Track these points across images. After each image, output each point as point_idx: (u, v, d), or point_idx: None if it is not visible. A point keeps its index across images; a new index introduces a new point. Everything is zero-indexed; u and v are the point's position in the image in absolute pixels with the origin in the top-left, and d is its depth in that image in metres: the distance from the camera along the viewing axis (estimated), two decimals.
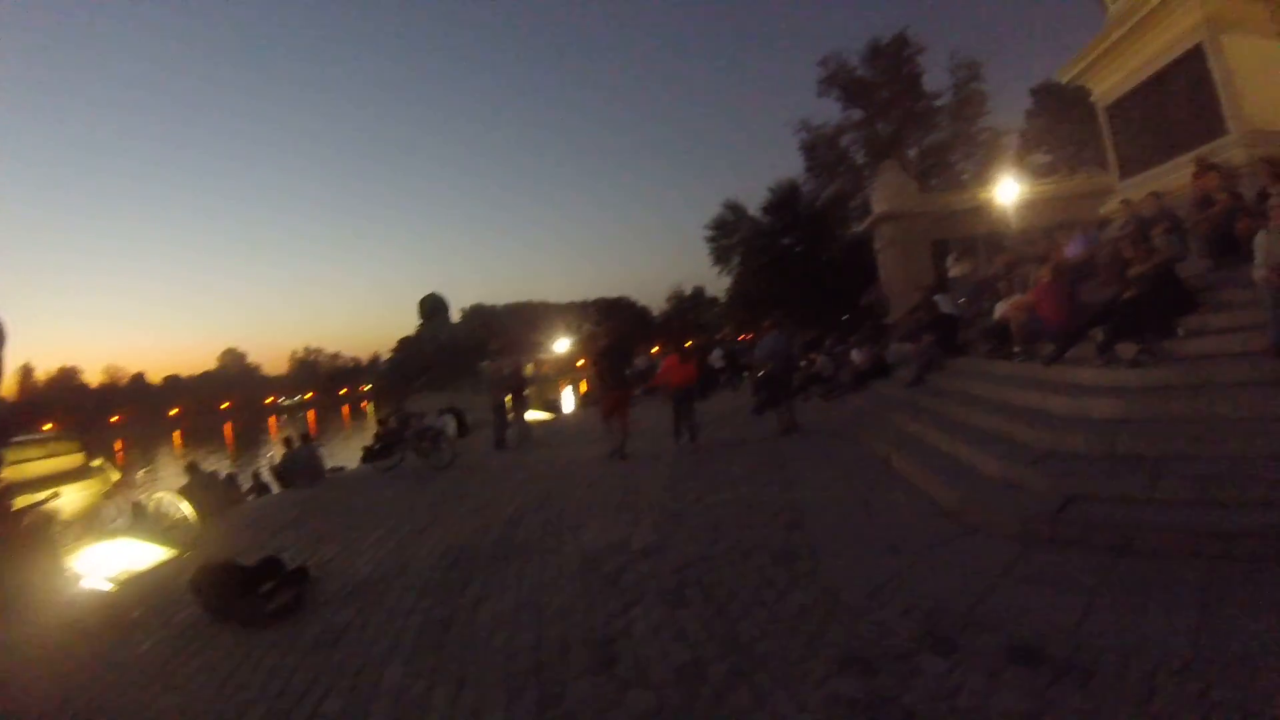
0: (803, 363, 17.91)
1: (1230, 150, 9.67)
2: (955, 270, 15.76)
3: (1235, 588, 3.73)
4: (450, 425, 15.63)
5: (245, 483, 17.63)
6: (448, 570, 6.13)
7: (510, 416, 14.59)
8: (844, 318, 29.95)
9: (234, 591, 5.76)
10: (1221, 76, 9.97)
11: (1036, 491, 5.52)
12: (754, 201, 44.76)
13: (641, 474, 9.27)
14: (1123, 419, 6.15)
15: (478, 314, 79.26)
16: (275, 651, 4.92)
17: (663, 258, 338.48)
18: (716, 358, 23.82)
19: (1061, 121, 32.65)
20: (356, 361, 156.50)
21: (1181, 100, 10.79)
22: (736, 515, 6.57)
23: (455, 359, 32.16)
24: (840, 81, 38.97)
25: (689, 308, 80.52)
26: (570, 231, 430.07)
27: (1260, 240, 6.32)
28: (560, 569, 5.73)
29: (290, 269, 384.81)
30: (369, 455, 14.17)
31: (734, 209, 45.02)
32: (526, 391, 16.54)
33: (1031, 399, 7.49)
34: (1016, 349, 9.13)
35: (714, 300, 70.95)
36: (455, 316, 44.14)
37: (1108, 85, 12.64)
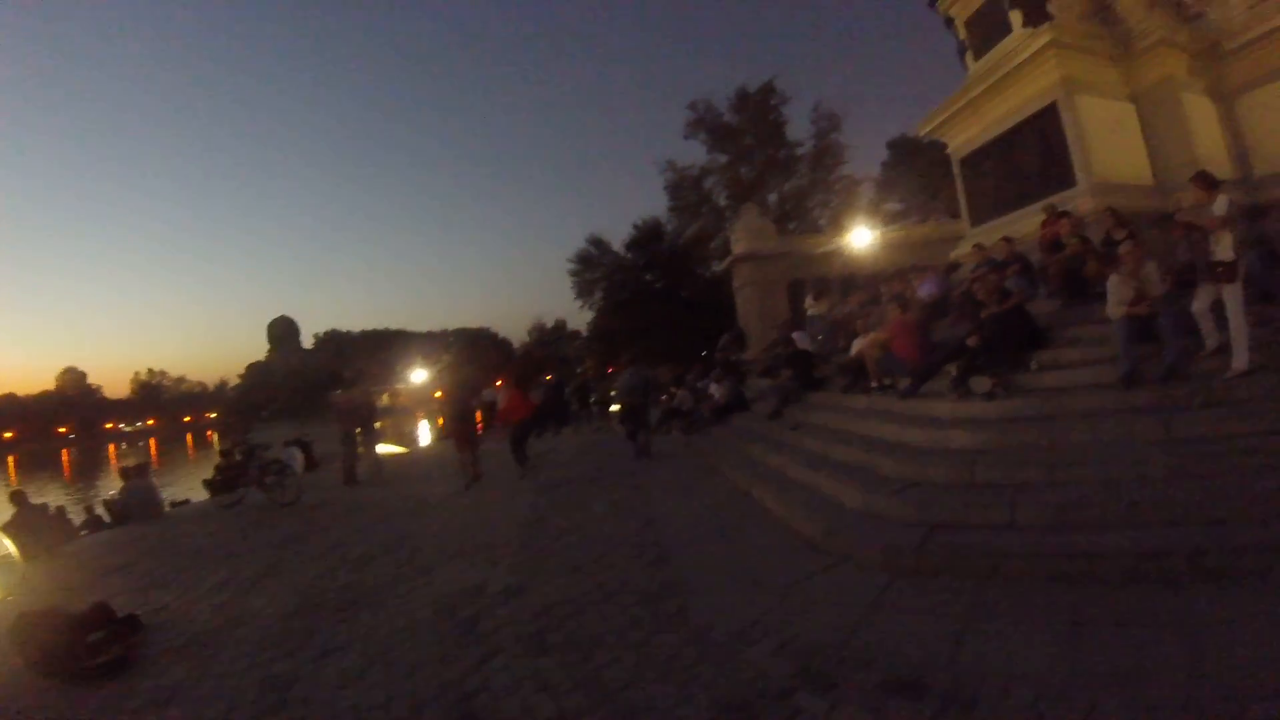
0: (663, 397, 18.49)
1: (1079, 199, 10.80)
2: (814, 309, 16.50)
3: (1102, 607, 3.89)
4: (297, 458, 14.79)
5: (78, 516, 16.07)
6: (291, 619, 5.79)
7: (361, 450, 14.21)
8: (703, 354, 30.86)
9: (58, 643, 5.26)
10: (1073, 132, 11.21)
11: (900, 521, 5.65)
12: (618, 237, 46.40)
13: (499, 512, 9.22)
14: (981, 449, 6.48)
15: (332, 340, 76.28)
16: (104, 713, 4.48)
17: (526, 289, 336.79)
18: (568, 392, 23.92)
19: (914, 172, 35.79)
20: (203, 387, 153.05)
21: (1034, 153, 12.02)
22: (598, 554, 6.56)
23: (306, 387, 30.38)
24: (708, 125, 41.58)
25: (550, 340, 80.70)
26: (433, 259, 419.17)
27: (1112, 282, 7.01)
28: (413, 617, 5.48)
29: (135, 287, 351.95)
30: (212, 489, 13.01)
31: (597, 244, 46.22)
32: (379, 423, 15.90)
33: (890, 432, 7.80)
34: (875, 384, 9.50)
35: (576, 334, 71.45)
36: (309, 342, 41.57)
37: (964, 139, 13.84)
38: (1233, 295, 6.15)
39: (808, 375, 12.21)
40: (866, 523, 5.87)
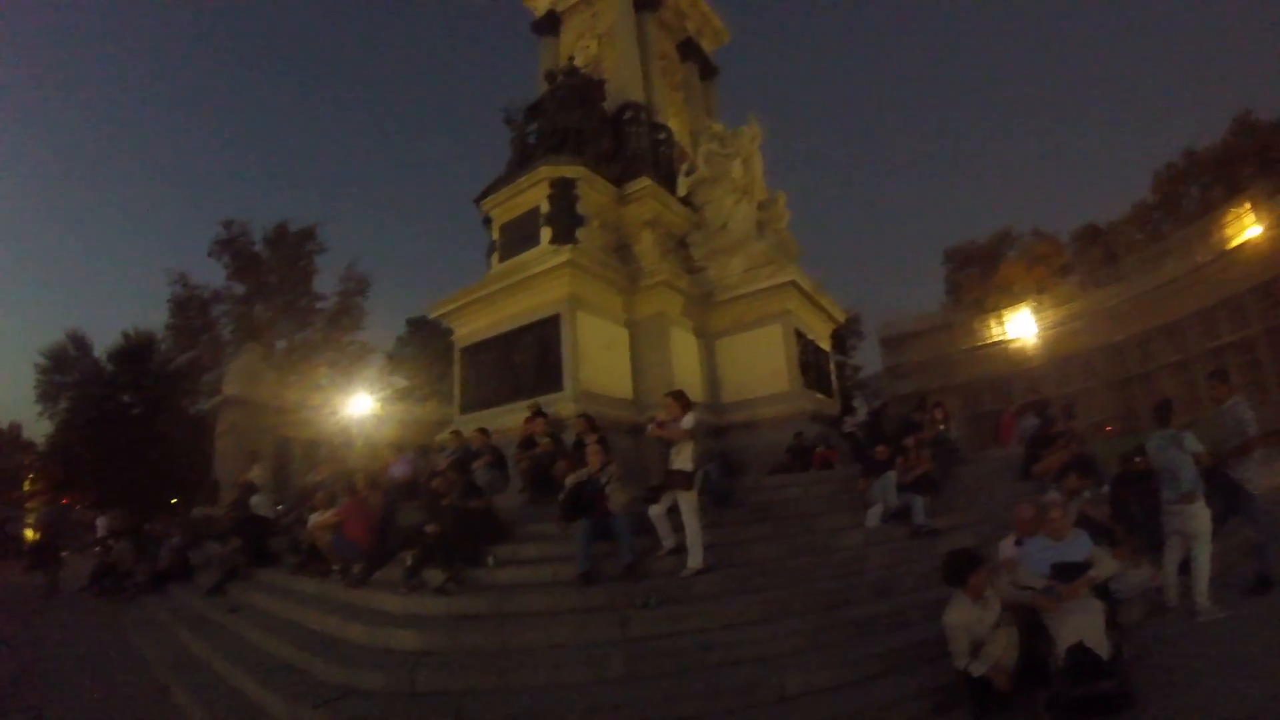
0: (96, 548, 16.77)
1: (562, 403, 12.00)
2: (254, 473, 15.28)
3: None
4: None
5: None
6: None
7: None
8: (173, 501, 28.41)
9: None
10: (569, 344, 12.70)
11: None
12: (104, 341, 40.51)
13: None
14: (425, 651, 6.08)
15: None
16: None
17: None
18: None
19: (427, 353, 37.36)
20: None
21: (532, 355, 13.20)
22: None
23: None
24: (236, 250, 39.54)
25: None
26: None
27: (570, 481, 7.73)
28: None
29: None
30: None
31: (78, 343, 39.96)
32: None
33: (332, 625, 7.13)
34: (335, 567, 8.77)
35: (30, 445, 56.57)
36: None
37: (472, 329, 14.78)
38: (688, 501, 7.15)
39: (259, 547, 11.24)
40: None
